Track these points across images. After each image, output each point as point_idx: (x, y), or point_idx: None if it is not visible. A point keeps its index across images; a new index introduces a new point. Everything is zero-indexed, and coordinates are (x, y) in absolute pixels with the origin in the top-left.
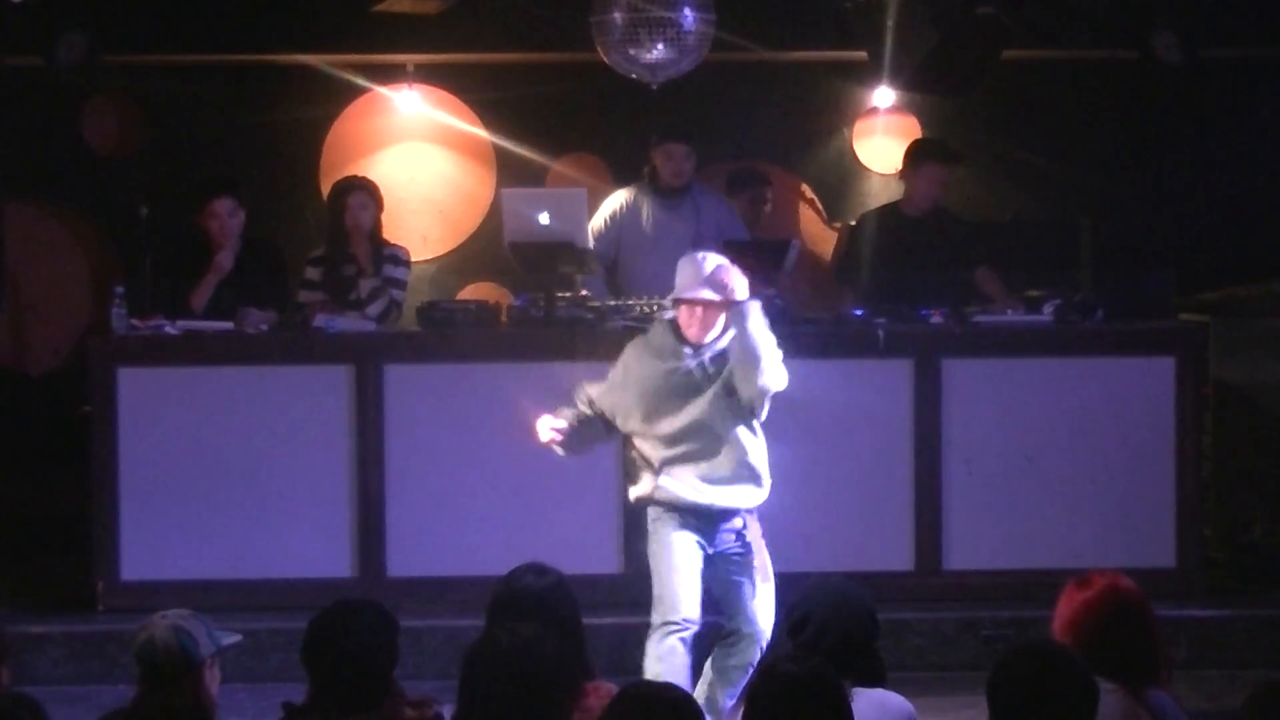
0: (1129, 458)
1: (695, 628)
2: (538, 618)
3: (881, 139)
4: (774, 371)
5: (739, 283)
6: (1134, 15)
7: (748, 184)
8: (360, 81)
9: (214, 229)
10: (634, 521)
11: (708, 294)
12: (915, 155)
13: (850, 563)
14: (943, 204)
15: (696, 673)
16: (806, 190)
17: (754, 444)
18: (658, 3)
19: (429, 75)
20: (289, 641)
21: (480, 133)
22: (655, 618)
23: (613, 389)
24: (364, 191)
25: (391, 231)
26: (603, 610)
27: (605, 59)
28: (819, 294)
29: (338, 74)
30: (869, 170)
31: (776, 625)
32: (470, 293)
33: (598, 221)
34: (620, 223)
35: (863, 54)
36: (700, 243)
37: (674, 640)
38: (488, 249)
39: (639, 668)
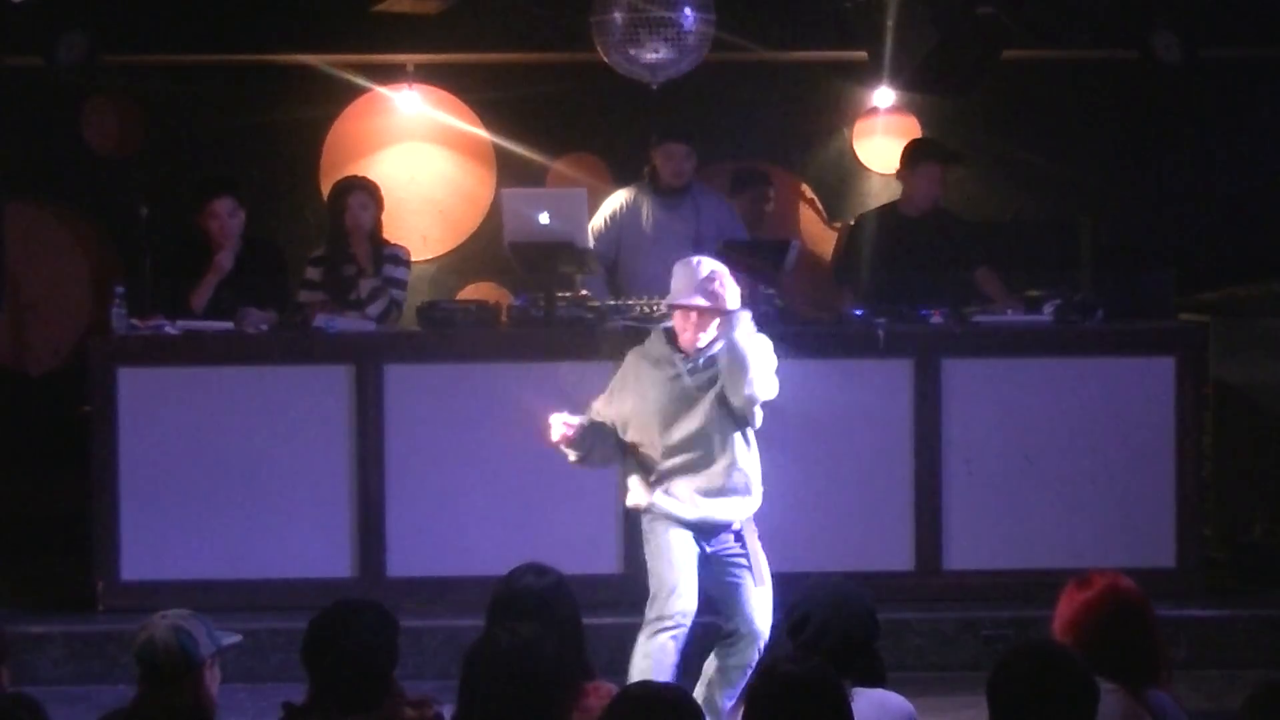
0: (1129, 458)
1: (689, 624)
2: (538, 618)
3: (881, 139)
4: (763, 381)
5: (731, 291)
6: (1134, 15)
7: (750, 183)
8: (360, 81)
9: (214, 229)
10: (634, 522)
11: (700, 301)
12: (913, 155)
13: (850, 563)
14: (942, 204)
15: (689, 671)
16: (806, 190)
17: (748, 454)
18: (658, 3)
19: (429, 75)
20: (289, 641)
21: (480, 133)
22: (650, 613)
23: (613, 397)
24: (364, 191)
25: (391, 231)
26: (603, 610)
27: (605, 59)
28: (819, 294)
29: (338, 74)
30: (869, 170)
31: (776, 625)
32: (470, 293)
33: (598, 221)
34: (620, 223)
35: (863, 54)
36: (700, 243)
37: (665, 638)
38: (488, 249)
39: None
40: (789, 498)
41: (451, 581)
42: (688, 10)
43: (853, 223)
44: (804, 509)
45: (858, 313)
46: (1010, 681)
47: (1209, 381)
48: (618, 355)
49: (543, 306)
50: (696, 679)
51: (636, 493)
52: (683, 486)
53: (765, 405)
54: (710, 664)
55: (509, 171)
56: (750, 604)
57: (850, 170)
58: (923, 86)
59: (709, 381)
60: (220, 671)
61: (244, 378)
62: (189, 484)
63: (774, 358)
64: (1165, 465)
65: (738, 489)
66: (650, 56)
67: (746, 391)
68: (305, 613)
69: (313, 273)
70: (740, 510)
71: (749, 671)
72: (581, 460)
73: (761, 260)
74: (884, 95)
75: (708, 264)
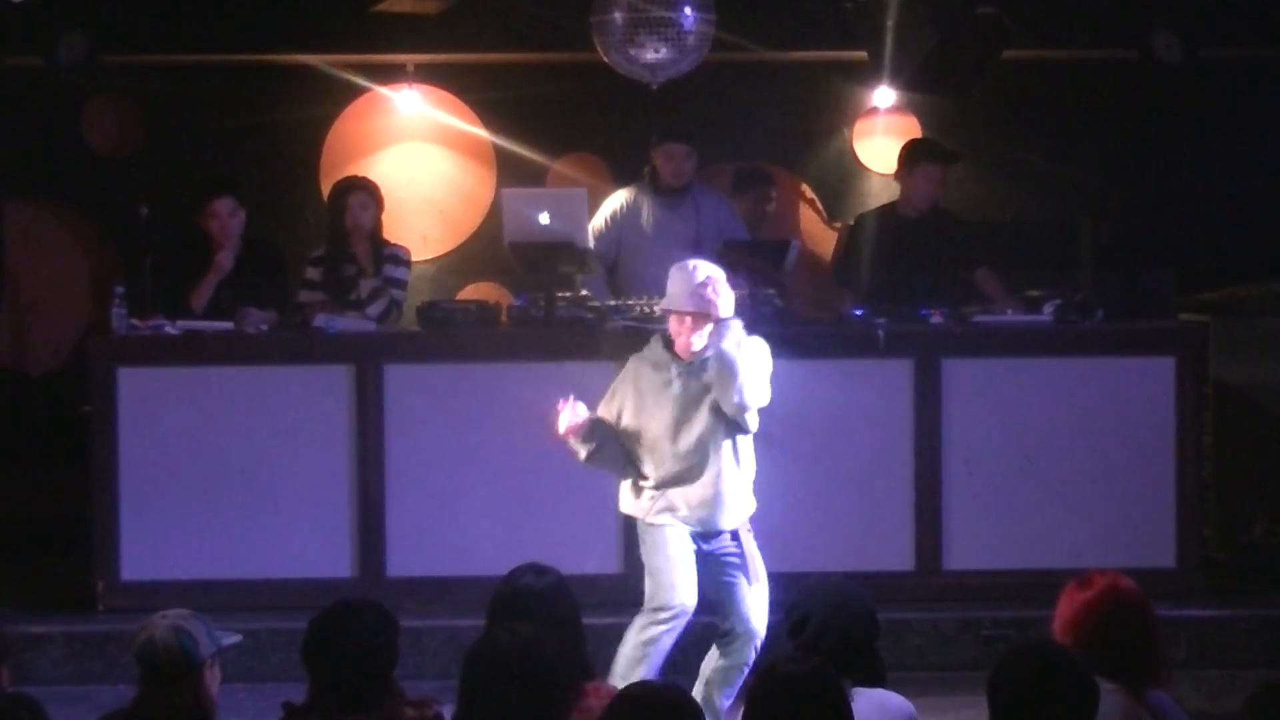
0: (1129, 458)
1: (685, 619)
2: (538, 618)
3: (881, 139)
4: (754, 389)
5: (725, 298)
6: (1134, 15)
7: (753, 183)
8: (360, 81)
9: (214, 229)
10: (634, 522)
11: (692, 307)
12: (910, 156)
13: (850, 563)
14: (941, 204)
15: (687, 671)
16: (806, 190)
17: (744, 458)
18: (658, 3)
19: (429, 75)
20: (289, 641)
21: (480, 133)
22: (646, 604)
23: (614, 398)
24: (364, 191)
25: (392, 231)
26: (603, 610)
27: (605, 59)
28: (819, 294)
29: (338, 74)
30: (869, 170)
31: (776, 625)
32: (470, 293)
33: (598, 221)
34: (620, 223)
35: (863, 54)
36: (700, 243)
37: (659, 631)
38: (488, 249)
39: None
40: (789, 498)
41: (451, 581)
42: (688, 10)
43: (852, 223)
44: (804, 509)
45: (858, 313)
46: (1010, 681)
47: (1209, 381)
48: (618, 355)
49: (543, 306)
50: (693, 678)
51: (629, 500)
52: (678, 492)
53: (764, 407)
54: (707, 663)
55: (509, 171)
56: (746, 603)
57: (850, 170)
58: (923, 86)
59: (705, 387)
60: (220, 671)
61: (244, 378)
62: (189, 484)
63: (768, 363)
64: (1165, 465)
65: (733, 494)
66: (650, 56)
67: (737, 400)
68: (305, 613)
69: (313, 273)
70: (735, 515)
71: (746, 670)
72: (591, 458)
73: (761, 260)
74: (884, 95)
75: (703, 269)
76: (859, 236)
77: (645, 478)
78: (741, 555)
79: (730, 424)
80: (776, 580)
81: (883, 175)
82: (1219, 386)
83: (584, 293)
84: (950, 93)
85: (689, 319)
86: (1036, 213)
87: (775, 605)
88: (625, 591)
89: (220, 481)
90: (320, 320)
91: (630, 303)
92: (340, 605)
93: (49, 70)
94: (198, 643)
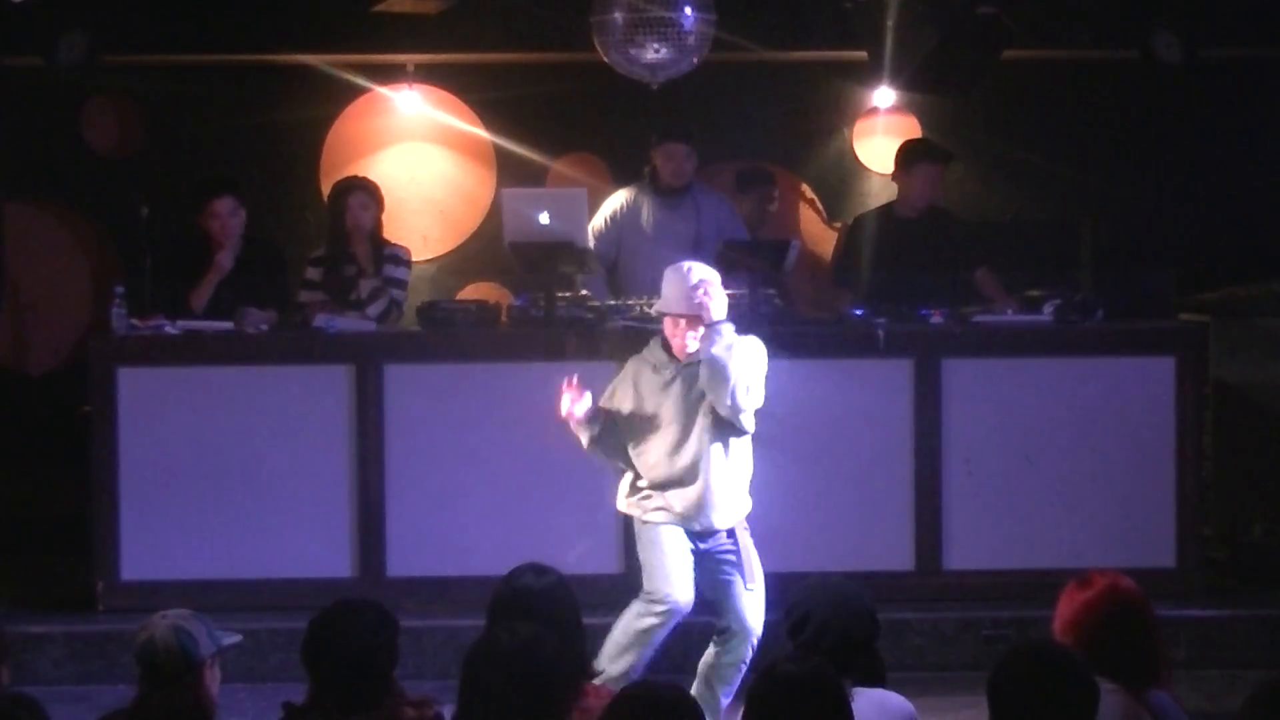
0: (1129, 458)
1: (678, 614)
2: (538, 618)
3: (881, 139)
4: (745, 391)
5: (718, 301)
6: (1134, 15)
7: (756, 183)
8: (360, 81)
9: (214, 229)
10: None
11: (684, 310)
12: (907, 156)
13: (850, 563)
14: (940, 204)
15: (685, 670)
16: (806, 190)
17: (740, 459)
18: (658, 3)
19: (429, 75)
20: (289, 641)
21: (480, 133)
22: (642, 594)
23: (614, 396)
24: (364, 191)
25: (392, 231)
26: (603, 610)
27: (605, 59)
28: (819, 294)
29: (338, 74)
30: (869, 170)
31: (775, 625)
32: (470, 293)
33: (598, 221)
34: (620, 223)
35: (863, 54)
36: (700, 243)
37: (650, 623)
38: (488, 249)
39: (638, 667)
40: (789, 498)
41: (451, 581)
42: (688, 10)
43: (850, 224)
44: (803, 509)
45: (858, 313)
46: (1010, 681)
47: (1209, 381)
48: (618, 355)
49: (543, 306)
50: (692, 678)
51: (626, 499)
52: (674, 492)
53: (763, 407)
54: (705, 662)
55: (509, 171)
56: (742, 602)
57: (850, 170)
58: (923, 86)
59: (702, 389)
60: (220, 671)
61: (244, 378)
62: (189, 484)
63: (763, 363)
64: (1165, 465)
65: (728, 494)
66: (650, 56)
67: (730, 402)
68: (305, 613)
69: (313, 273)
70: (730, 514)
71: (743, 668)
72: (594, 444)
73: (761, 260)
74: (884, 95)
75: (698, 271)
76: (858, 237)
77: (642, 476)
78: (738, 554)
79: (727, 425)
80: (776, 580)
81: (883, 175)
82: (1219, 386)
83: (584, 293)
84: (950, 93)
85: (683, 322)
86: (1036, 213)
87: (775, 605)
88: (625, 591)
89: (220, 481)
90: (320, 320)
91: (630, 303)
92: (340, 605)
93: (49, 70)
94: (198, 643)
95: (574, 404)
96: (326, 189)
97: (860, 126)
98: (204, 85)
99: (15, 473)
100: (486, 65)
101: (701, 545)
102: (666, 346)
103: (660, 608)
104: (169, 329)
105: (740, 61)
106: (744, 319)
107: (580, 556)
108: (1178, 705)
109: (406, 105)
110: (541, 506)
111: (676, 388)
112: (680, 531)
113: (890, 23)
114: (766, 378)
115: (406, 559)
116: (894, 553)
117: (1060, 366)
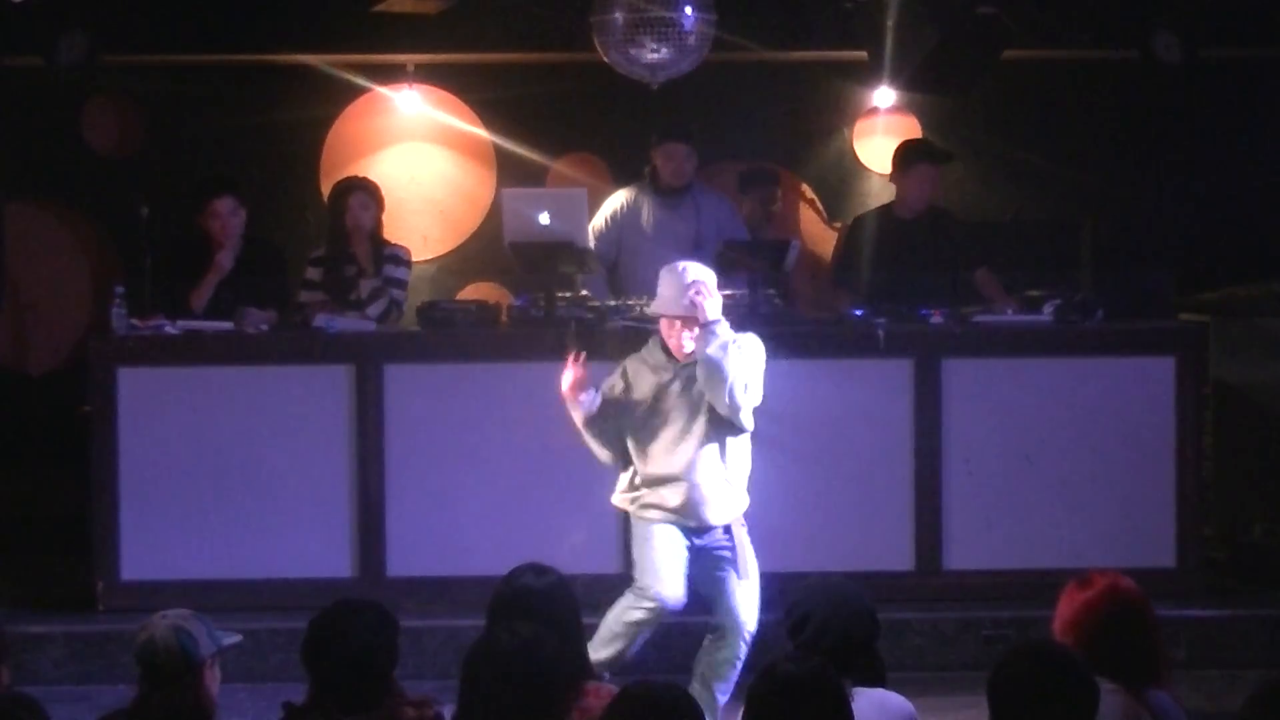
0: (1129, 458)
1: (666, 610)
2: (538, 618)
3: (881, 139)
4: (743, 390)
5: (712, 302)
6: (1134, 15)
7: (759, 183)
8: (360, 81)
9: (214, 229)
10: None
11: (679, 310)
12: (905, 157)
13: (850, 563)
14: (940, 204)
15: (684, 669)
16: (807, 190)
17: (738, 457)
18: (658, 3)
19: (429, 75)
20: (289, 641)
21: (480, 133)
22: (633, 586)
23: (613, 392)
24: (364, 191)
25: (392, 231)
26: (603, 610)
27: (605, 59)
28: (819, 294)
29: (338, 74)
30: (869, 170)
31: (774, 624)
32: (470, 293)
33: (598, 221)
34: (621, 223)
35: (863, 54)
36: (701, 243)
37: (638, 616)
38: (488, 249)
39: (640, 667)
40: (788, 497)
41: (451, 581)
42: (688, 10)
43: (850, 224)
44: (803, 509)
45: (858, 313)
46: (1010, 681)
47: (1209, 381)
48: (618, 355)
49: (543, 306)
50: (688, 676)
51: (622, 494)
52: (669, 488)
53: (763, 407)
54: (700, 659)
55: (509, 171)
56: (735, 598)
57: (850, 170)
58: (923, 86)
59: (700, 389)
60: (220, 671)
61: (244, 378)
62: (189, 484)
63: (761, 361)
64: (1165, 465)
65: (724, 491)
66: (650, 56)
67: (728, 401)
68: (305, 613)
69: (313, 273)
70: (726, 511)
71: (738, 665)
72: (589, 425)
73: (761, 260)
74: (884, 95)
75: (693, 271)
76: (857, 237)
77: (638, 473)
78: (733, 550)
79: (725, 423)
80: (776, 580)
81: (882, 175)
82: (1219, 386)
83: (584, 293)
84: (950, 93)
85: (678, 322)
86: (1036, 213)
87: (775, 605)
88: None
89: (220, 481)
90: (320, 320)
91: (630, 303)
92: (340, 605)
93: (49, 70)
94: (198, 643)
95: (575, 380)
96: (326, 189)
97: (860, 126)
98: (204, 85)
99: (15, 473)
100: (486, 65)
101: (697, 541)
102: (665, 347)
103: (649, 603)
104: (169, 329)
105: (740, 61)
106: (744, 319)
107: (575, 548)
108: (1178, 705)
109: (406, 105)
110: (541, 506)
111: (675, 387)
112: (674, 529)
113: (890, 23)
114: (766, 377)
115: (406, 559)
116: (894, 553)
117: (1060, 366)
